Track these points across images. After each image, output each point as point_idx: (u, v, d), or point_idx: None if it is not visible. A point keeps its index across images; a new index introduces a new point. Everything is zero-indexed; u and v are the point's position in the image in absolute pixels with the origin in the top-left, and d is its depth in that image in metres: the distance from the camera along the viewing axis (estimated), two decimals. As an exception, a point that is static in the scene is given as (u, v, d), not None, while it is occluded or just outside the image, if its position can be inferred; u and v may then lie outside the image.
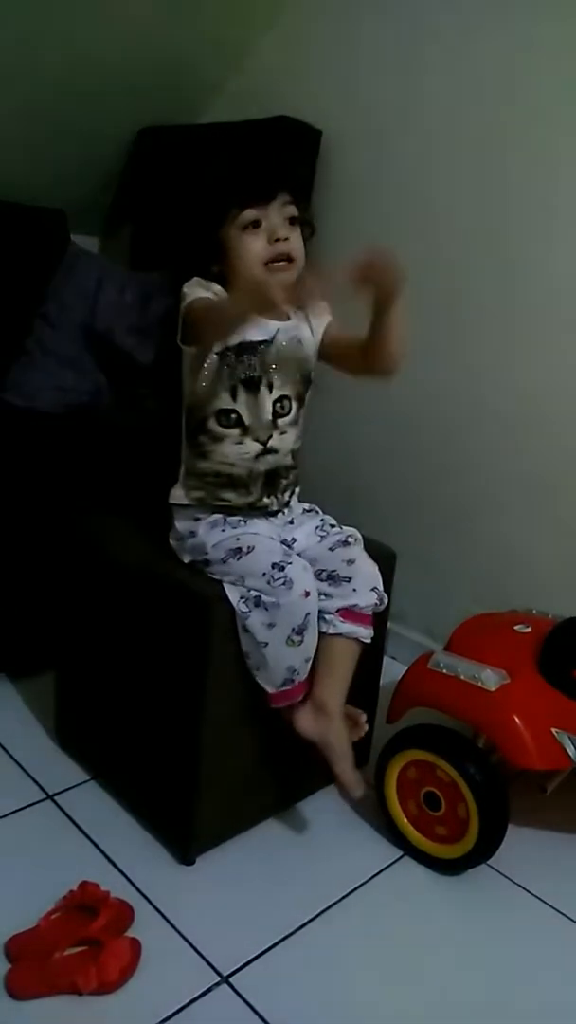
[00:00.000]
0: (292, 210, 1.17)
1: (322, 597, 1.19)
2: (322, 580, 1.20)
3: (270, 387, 1.18)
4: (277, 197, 1.14)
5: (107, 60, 1.90)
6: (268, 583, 1.11)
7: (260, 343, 1.17)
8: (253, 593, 1.12)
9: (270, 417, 1.18)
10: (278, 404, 1.19)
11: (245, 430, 1.17)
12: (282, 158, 1.22)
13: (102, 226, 2.44)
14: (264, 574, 1.11)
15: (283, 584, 1.10)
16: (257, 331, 1.16)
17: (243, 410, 1.17)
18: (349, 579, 1.20)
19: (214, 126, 2.07)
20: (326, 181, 1.87)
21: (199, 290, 1.15)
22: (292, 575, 1.11)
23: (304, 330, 1.24)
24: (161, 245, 2.07)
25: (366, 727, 1.24)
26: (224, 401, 1.16)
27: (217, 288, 1.16)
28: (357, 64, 1.85)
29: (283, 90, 1.97)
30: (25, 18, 1.71)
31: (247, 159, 1.19)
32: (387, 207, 1.83)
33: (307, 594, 1.12)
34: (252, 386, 1.16)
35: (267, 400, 1.18)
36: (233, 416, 1.17)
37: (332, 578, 1.20)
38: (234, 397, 1.16)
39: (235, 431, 1.17)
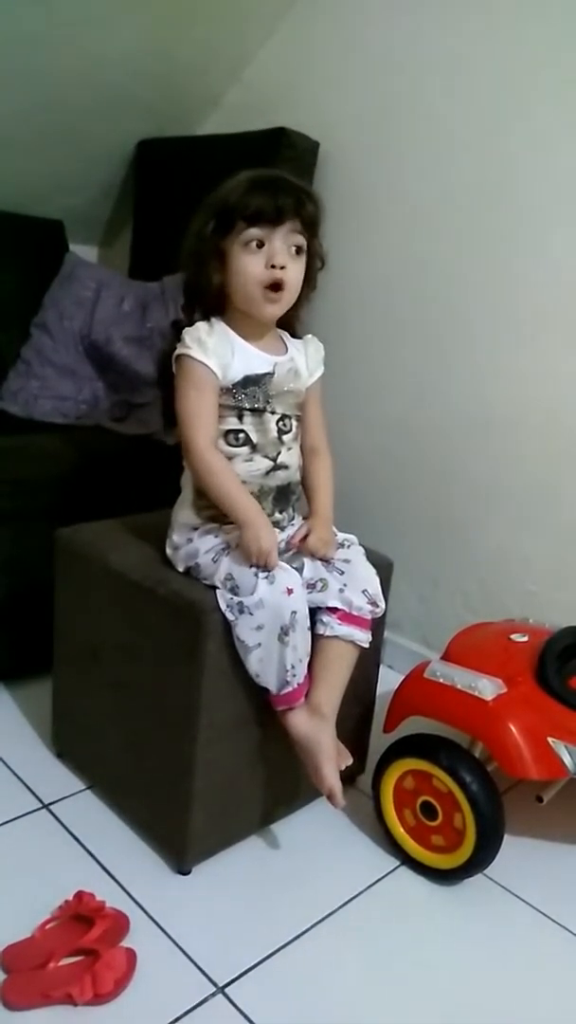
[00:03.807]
0: (299, 239, 1.15)
1: (318, 584, 1.20)
2: (318, 567, 1.22)
3: (273, 411, 1.21)
4: (286, 223, 1.12)
5: (106, 71, 1.91)
6: (254, 575, 1.11)
7: (263, 375, 1.19)
8: (236, 600, 1.12)
9: (275, 434, 1.21)
10: (280, 423, 1.22)
11: (254, 448, 1.19)
12: (308, 188, 1.16)
13: (101, 236, 2.45)
14: (251, 567, 1.12)
15: (266, 578, 1.11)
16: (260, 363, 1.19)
17: (250, 429, 1.19)
18: (342, 572, 1.21)
19: (213, 138, 2.09)
20: (324, 193, 1.88)
21: (196, 352, 1.14)
22: (276, 570, 1.12)
23: (300, 362, 1.26)
24: (160, 255, 2.08)
25: (344, 766, 1.20)
26: (230, 423, 1.18)
27: (213, 343, 1.15)
28: (356, 76, 1.87)
29: (282, 102, 1.99)
30: (23, 29, 1.72)
31: (268, 176, 1.14)
32: (385, 218, 1.84)
33: (290, 591, 1.11)
34: (257, 411, 1.19)
35: (271, 420, 1.21)
36: (241, 435, 1.19)
37: (326, 560, 1.22)
38: (240, 419, 1.19)
39: (244, 449, 1.19)
